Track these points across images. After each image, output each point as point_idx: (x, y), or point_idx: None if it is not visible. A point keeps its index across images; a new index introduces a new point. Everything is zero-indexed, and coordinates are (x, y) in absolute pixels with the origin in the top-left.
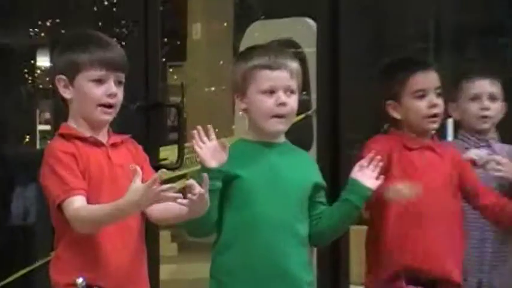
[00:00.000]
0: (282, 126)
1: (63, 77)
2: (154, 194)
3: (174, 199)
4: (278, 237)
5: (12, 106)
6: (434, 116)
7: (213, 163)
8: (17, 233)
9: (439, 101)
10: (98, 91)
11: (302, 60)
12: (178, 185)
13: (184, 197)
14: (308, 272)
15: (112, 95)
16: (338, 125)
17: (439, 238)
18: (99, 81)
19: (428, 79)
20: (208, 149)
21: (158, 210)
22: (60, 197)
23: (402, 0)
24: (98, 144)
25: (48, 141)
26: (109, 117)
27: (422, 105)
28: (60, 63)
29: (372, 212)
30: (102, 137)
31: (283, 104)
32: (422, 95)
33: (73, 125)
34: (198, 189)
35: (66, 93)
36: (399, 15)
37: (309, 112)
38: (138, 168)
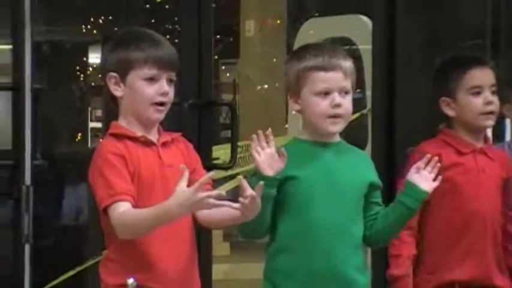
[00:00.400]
0: (338, 127)
1: (115, 74)
2: (200, 199)
3: (220, 206)
4: (334, 239)
5: (65, 103)
6: (490, 113)
7: (269, 171)
8: (69, 233)
9: (495, 99)
10: (151, 90)
11: (357, 58)
12: (230, 184)
13: (237, 199)
14: (364, 274)
15: (164, 94)
16: (394, 124)
17: (488, 247)
18: (152, 79)
19: (485, 76)
20: (266, 156)
21: (206, 213)
22: (106, 201)
23: None
24: (148, 143)
25: (100, 140)
26: (161, 116)
27: (478, 101)
28: (111, 60)
29: (419, 218)
30: (153, 135)
31: (338, 105)
32: (478, 91)
33: (123, 123)
34: (249, 191)
35: (117, 91)
36: (456, 12)
37: (364, 111)
38: (186, 171)
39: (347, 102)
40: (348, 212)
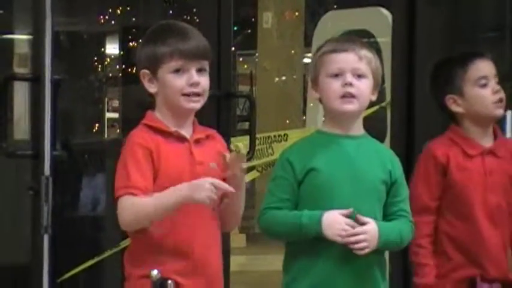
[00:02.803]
0: (351, 106)
1: (147, 71)
2: (208, 184)
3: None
4: None
5: (83, 94)
6: (500, 100)
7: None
8: (87, 223)
9: (500, 88)
10: (180, 81)
11: (376, 50)
12: (248, 177)
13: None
14: (382, 269)
15: (194, 84)
16: (413, 117)
17: (501, 248)
18: (179, 71)
19: (489, 66)
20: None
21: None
22: (120, 191)
23: None
24: (181, 139)
25: (117, 130)
26: (195, 105)
27: (486, 92)
28: (143, 57)
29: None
30: (187, 130)
31: (350, 84)
32: (485, 82)
33: (159, 115)
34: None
35: (151, 88)
36: (476, 4)
37: (383, 104)
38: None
39: (361, 84)
40: (370, 207)
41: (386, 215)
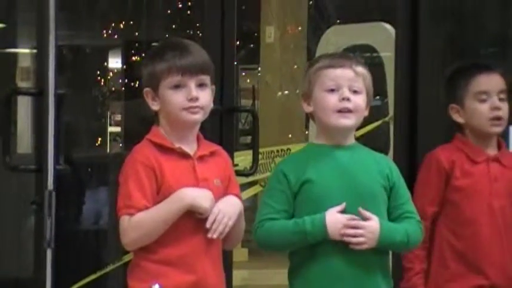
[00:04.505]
0: (347, 121)
1: (149, 89)
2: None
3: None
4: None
5: (85, 108)
6: (497, 118)
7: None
8: (90, 237)
9: (502, 105)
10: (179, 96)
11: (379, 65)
12: (250, 191)
13: (255, 206)
14: (387, 279)
15: (193, 99)
16: (416, 132)
17: (505, 255)
18: (178, 86)
19: (492, 82)
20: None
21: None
22: (121, 210)
23: (483, 5)
24: (184, 155)
25: (120, 144)
26: (196, 117)
27: (484, 107)
28: (144, 76)
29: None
30: (191, 146)
31: (347, 99)
32: (484, 98)
33: (162, 132)
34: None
35: (154, 105)
36: (478, 20)
37: (386, 118)
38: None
39: (358, 99)
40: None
41: (393, 219)
